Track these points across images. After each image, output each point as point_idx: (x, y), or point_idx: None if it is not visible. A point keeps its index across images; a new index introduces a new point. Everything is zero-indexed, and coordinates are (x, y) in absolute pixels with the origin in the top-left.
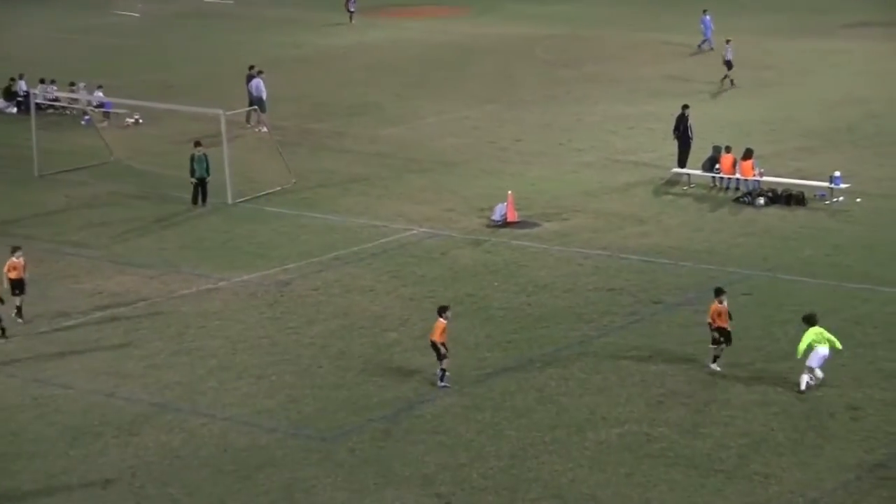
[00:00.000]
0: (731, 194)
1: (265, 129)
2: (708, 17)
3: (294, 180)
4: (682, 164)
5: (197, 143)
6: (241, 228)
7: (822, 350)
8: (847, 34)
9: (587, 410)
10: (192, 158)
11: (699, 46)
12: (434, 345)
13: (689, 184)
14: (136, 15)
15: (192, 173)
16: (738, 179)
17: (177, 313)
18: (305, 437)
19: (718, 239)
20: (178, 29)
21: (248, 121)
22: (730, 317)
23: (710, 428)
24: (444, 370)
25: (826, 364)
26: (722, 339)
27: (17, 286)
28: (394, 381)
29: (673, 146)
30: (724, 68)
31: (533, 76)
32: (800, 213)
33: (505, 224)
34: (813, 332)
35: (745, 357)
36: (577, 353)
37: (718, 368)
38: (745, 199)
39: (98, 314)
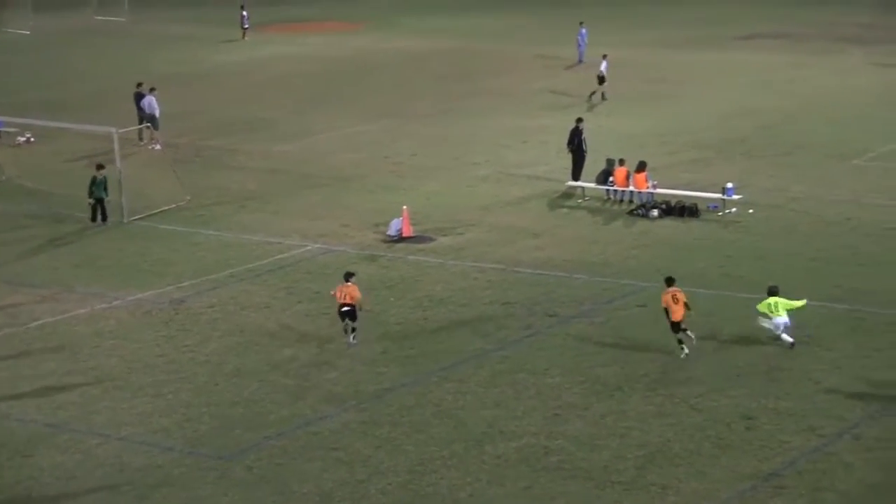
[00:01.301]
0: (625, 207)
1: (158, 147)
2: (584, 31)
3: (188, 197)
4: (576, 177)
5: (99, 166)
6: (135, 246)
7: (779, 319)
8: (740, 46)
9: (485, 424)
10: (93, 181)
11: (579, 61)
12: (352, 307)
13: (583, 197)
14: (27, 32)
15: (91, 194)
16: (631, 192)
17: (71, 333)
18: (202, 456)
19: (613, 251)
20: (70, 46)
21: (140, 138)
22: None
23: (607, 440)
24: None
25: (791, 327)
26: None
27: None
28: (290, 397)
29: (567, 159)
30: (596, 81)
31: (427, 90)
32: (693, 224)
33: (400, 239)
34: (764, 304)
35: (641, 369)
36: (473, 367)
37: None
38: (639, 211)
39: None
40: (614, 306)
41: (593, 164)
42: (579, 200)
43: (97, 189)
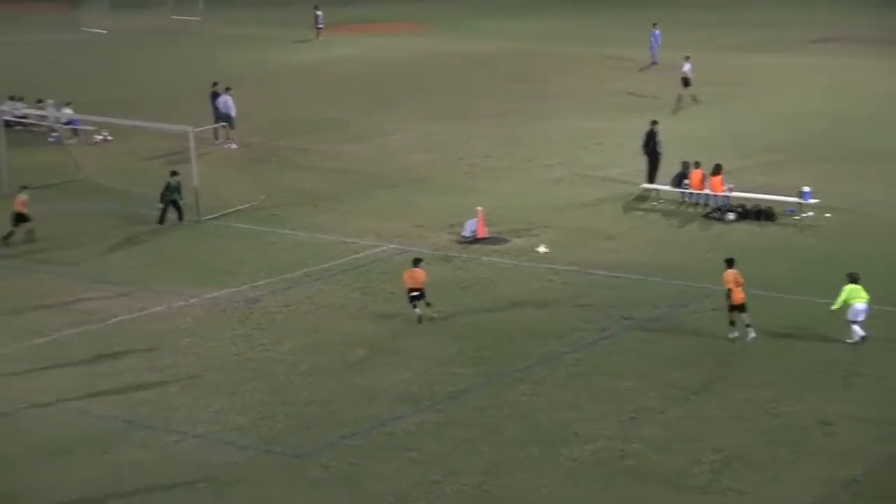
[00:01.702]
0: (700, 210)
1: (234, 146)
2: (657, 32)
3: (262, 197)
4: (651, 179)
5: (173, 172)
6: (210, 245)
7: (859, 305)
8: (814, 49)
9: (560, 426)
10: (167, 186)
11: (653, 62)
12: (420, 290)
13: (658, 199)
14: (104, 32)
15: (162, 198)
16: (707, 195)
17: (148, 330)
18: (278, 455)
19: (688, 254)
20: (146, 45)
21: (216, 137)
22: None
23: (683, 444)
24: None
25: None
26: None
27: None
28: (365, 397)
29: (641, 162)
30: (681, 84)
31: (496, 92)
32: (769, 228)
33: (475, 240)
34: (849, 289)
35: (717, 372)
36: (548, 369)
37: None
38: (715, 214)
39: (69, 331)
40: (689, 310)
41: (668, 167)
42: (654, 203)
43: (170, 193)
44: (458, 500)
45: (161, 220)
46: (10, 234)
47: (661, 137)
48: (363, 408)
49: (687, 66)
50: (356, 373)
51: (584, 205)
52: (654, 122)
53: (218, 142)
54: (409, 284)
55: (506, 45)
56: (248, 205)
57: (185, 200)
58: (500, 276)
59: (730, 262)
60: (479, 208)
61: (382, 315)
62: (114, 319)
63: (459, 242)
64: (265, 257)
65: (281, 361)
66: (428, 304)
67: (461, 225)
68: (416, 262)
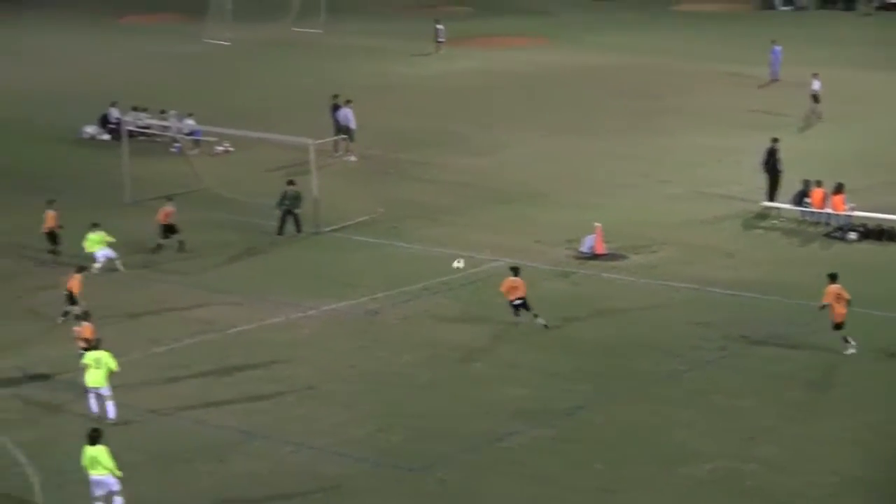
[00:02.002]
0: (821, 229)
1: (353, 158)
2: (778, 49)
3: (381, 210)
4: (771, 197)
5: (290, 182)
6: (329, 257)
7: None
8: None
9: (677, 445)
10: (284, 195)
11: (774, 79)
12: (523, 299)
13: (778, 218)
14: (227, 43)
15: (279, 206)
16: (828, 214)
17: (266, 341)
18: (394, 468)
19: (808, 273)
20: (268, 57)
21: (335, 150)
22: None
23: (801, 465)
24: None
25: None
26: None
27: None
28: (482, 412)
29: (761, 179)
30: (810, 101)
31: (614, 107)
32: (892, 248)
33: (593, 256)
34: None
35: (836, 394)
36: (666, 387)
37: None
38: (836, 234)
39: (188, 341)
40: (809, 329)
41: (789, 185)
42: (774, 221)
43: (287, 203)
44: None
45: (280, 230)
46: (158, 247)
47: (782, 155)
48: (480, 422)
49: (816, 84)
50: (473, 386)
51: (703, 222)
52: (775, 140)
53: (338, 154)
54: (511, 295)
55: (623, 59)
56: (366, 217)
57: (304, 211)
58: (618, 292)
59: (833, 277)
60: (596, 224)
61: (500, 329)
62: (233, 330)
63: (577, 258)
64: (384, 270)
65: (398, 374)
66: (536, 316)
67: (579, 241)
68: (515, 270)
